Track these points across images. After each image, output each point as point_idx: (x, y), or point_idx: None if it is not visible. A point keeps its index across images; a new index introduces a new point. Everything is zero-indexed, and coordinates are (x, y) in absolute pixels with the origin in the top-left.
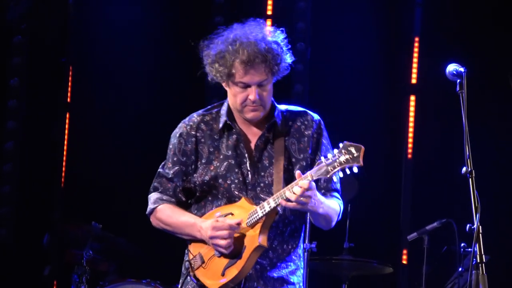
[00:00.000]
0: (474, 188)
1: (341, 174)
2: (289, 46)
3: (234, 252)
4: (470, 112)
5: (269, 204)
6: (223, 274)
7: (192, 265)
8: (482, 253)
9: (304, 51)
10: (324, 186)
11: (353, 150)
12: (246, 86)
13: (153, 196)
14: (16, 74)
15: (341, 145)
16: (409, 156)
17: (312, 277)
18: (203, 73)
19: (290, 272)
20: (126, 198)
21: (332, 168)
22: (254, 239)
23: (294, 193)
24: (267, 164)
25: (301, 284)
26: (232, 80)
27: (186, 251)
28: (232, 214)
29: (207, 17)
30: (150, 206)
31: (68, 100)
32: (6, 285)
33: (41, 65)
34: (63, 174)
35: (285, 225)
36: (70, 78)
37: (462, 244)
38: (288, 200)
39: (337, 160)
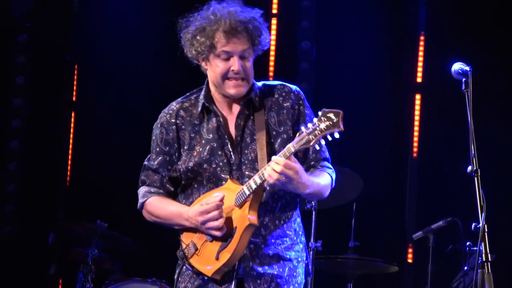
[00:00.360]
0: (479, 187)
1: (323, 142)
2: (267, 24)
3: (225, 234)
4: (475, 111)
5: (254, 181)
6: (217, 258)
7: (186, 254)
8: (488, 251)
9: (309, 49)
10: (313, 157)
11: (332, 116)
12: (229, 56)
13: (141, 190)
14: (21, 73)
15: (320, 112)
16: (414, 155)
17: (318, 276)
18: (182, 53)
19: (285, 248)
20: (131, 197)
21: (313, 137)
22: (244, 218)
23: (273, 169)
24: (249, 141)
25: (299, 259)
26: (214, 52)
27: (179, 241)
28: None
29: None
30: (140, 200)
31: (74, 98)
32: (12, 283)
33: (46, 64)
34: (68, 172)
35: (274, 201)
36: (75, 77)
37: (468, 243)
38: (270, 175)
39: (317, 128)
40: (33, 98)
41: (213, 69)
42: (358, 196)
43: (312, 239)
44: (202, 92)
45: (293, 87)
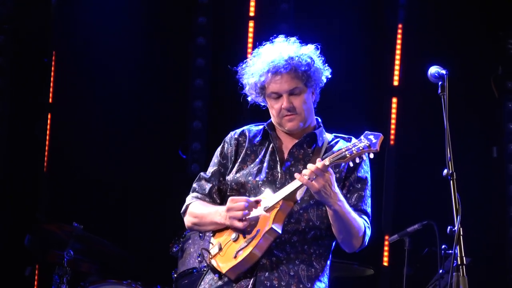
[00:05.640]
0: (455, 190)
1: (357, 160)
2: (323, 59)
3: (248, 235)
4: (451, 114)
5: (287, 189)
6: (235, 257)
7: (210, 252)
8: (463, 255)
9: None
10: (354, 204)
11: (372, 137)
12: (279, 96)
13: (189, 196)
14: None
15: (363, 134)
16: (391, 152)
17: None
18: (244, 97)
19: (308, 276)
20: (109, 199)
21: (349, 154)
22: (268, 222)
23: (309, 168)
24: (301, 169)
25: None
26: (266, 93)
27: (208, 243)
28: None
29: (191, 17)
30: (186, 203)
31: (50, 100)
32: None
33: (23, 65)
34: (44, 174)
35: (308, 227)
36: (52, 79)
37: (443, 246)
38: (304, 174)
39: (356, 146)
40: (10, 100)
41: (270, 107)
42: None
43: None
44: (267, 122)
45: None
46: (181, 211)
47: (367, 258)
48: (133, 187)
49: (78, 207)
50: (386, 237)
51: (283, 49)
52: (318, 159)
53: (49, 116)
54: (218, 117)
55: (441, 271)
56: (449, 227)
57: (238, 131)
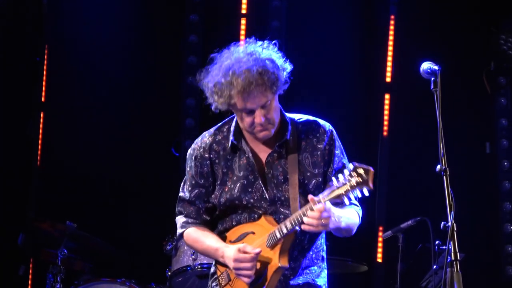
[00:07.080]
0: (448, 186)
1: (352, 196)
2: (284, 57)
3: (257, 273)
4: (444, 110)
5: (286, 226)
6: None
7: (220, 282)
8: (457, 250)
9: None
10: None
11: (362, 172)
12: (250, 111)
13: (179, 220)
14: None
15: (351, 166)
16: (384, 145)
17: None
18: (204, 102)
19: (315, 275)
20: (102, 197)
21: (343, 192)
22: (275, 260)
23: (312, 217)
24: (282, 180)
25: (326, 284)
26: (236, 109)
27: (213, 264)
28: (253, 233)
29: (182, 15)
30: (179, 231)
31: (43, 99)
32: None
33: (16, 64)
34: (37, 173)
35: (303, 234)
36: (44, 78)
37: (437, 242)
38: (308, 224)
39: (348, 184)
40: (3, 98)
41: (239, 119)
42: None
43: None
44: (233, 126)
45: (327, 126)
46: (176, 237)
47: (361, 255)
48: (126, 185)
49: (72, 206)
50: (380, 234)
51: (248, 62)
52: (311, 198)
53: (41, 115)
54: (211, 115)
55: (435, 266)
56: (442, 223)
57: (206, 147)
